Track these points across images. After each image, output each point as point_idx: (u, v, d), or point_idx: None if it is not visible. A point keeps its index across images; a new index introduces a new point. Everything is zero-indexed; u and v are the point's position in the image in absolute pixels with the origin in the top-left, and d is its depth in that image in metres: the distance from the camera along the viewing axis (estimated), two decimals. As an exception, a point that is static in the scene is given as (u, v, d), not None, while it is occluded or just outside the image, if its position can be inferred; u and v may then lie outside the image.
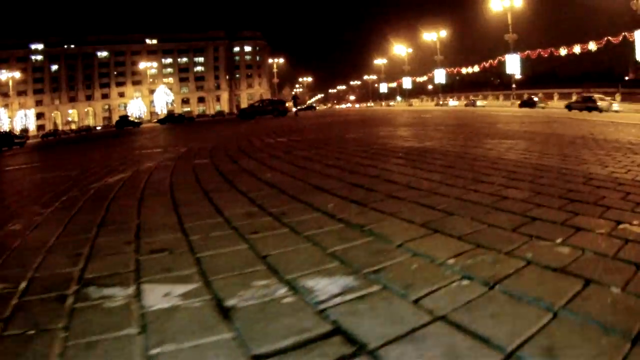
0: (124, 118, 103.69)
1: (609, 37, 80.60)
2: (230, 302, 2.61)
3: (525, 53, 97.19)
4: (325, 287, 2.75)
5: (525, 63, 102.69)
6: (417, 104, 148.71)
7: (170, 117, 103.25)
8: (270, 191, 5.83)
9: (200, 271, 3.14)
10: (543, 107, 70.05)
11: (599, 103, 54.61)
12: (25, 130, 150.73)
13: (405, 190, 5.39)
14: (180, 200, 5.67)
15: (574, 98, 61.97)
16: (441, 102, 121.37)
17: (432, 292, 2.62)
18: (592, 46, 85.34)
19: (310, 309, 2.48)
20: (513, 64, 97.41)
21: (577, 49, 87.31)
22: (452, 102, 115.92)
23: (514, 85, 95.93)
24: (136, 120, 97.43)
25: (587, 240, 3.46)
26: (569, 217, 4.09)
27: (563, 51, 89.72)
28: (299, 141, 13.16)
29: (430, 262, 3.11)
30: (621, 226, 3.80)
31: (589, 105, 54.46)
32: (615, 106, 55.49)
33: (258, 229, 4.09)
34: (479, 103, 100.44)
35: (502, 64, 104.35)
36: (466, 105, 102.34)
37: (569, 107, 58.04)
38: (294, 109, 55.99)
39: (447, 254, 3.21)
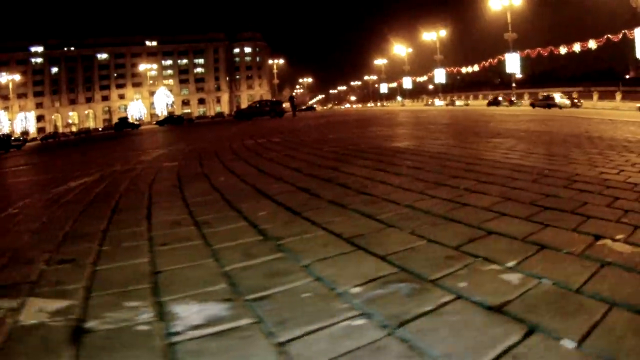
0: (123, 120, 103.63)
1: (609, 35, 79.98)
2: (90, 324, 2.35)
3: (525, 52, 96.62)
4: (190, 315, 2.37)
5: (526, 62, 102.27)
6: (408, 104, 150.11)
7: (169, 119, 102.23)
8: (212, 197, 5.43)
9: (87, 286, 2.89)
10: (507, 106, 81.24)
11: (557, 101, 63.80)
12: (25, 133, 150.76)
13: (353, 196, 4.72)
14: (122, 206, 5.45)
15: (540, 97, 70.51)
16: (429, 102, 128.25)
17: (308, 334, 2.03)
18: (592, 44, 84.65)
19: (159, 342, 2.12)
20: (513, 63, 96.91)
21: (577, 47, 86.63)
22: (438, 102, 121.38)
23: (514, 85, 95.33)
24: (135, 122, 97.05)
25: (549, 263, 2.68)
26: (535, 229, 3.32)
27: (563, 50, 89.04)
28: (277, 143, 12.51)
29: (330, 290, 2.46)
30: (600, 242, 3.04)
31: (549, 102, 63.63)
32: (567, 102, 65.41)
33: (170, 241, 3.75)
34: (457, 103, 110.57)
35: (502, 63, 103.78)
36: (447, 105, 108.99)
37: (532, 105, 67.70)
38: (291, 110, 55.22)
39: (356, 280, 2.55)
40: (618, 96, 66.25)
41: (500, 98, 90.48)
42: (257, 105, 62.19)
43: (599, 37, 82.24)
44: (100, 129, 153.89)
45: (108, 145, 26.34)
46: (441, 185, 5.07)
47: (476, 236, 3.26)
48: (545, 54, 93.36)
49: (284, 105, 56.62)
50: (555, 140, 9.46)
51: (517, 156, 7.08)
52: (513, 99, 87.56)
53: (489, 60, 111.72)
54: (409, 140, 11.07)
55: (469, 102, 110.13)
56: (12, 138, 64.66)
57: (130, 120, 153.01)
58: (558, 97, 66.32)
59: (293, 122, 31.57)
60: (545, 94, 71.27)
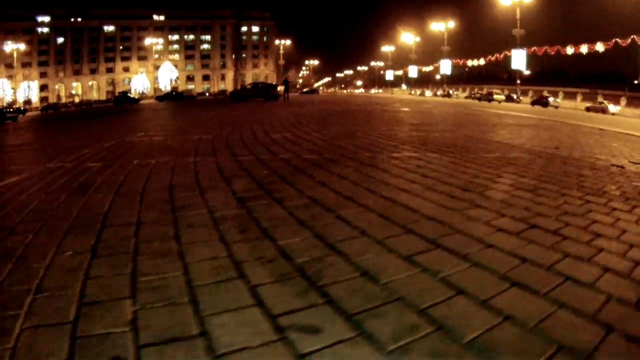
0: (123, 94, 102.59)
1: (617, 40, 79.46)
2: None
3: (532, 49, 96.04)
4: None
5: (534, 59, 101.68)
6: (398, 92, 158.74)
7: (169, 95, 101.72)
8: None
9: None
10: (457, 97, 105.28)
11: (495, 96, 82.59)
12: (28, 102, 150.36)
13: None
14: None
15: (485, 92, 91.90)
16: (412, 92, 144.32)
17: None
18: (600, 47, 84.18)
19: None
20: (519, 60, 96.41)
21: (584, 49, 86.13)
22: (427, 93, 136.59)
23: (518, 82, 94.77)
24: (135, 97, 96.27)
25: None
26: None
27: (570, 50, 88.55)
28: (216, 137, 12.15)
29: None
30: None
31: (489, 97, 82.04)
32: (502, 97, 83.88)
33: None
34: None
35: (508, 59, 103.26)
36: (442, 96, 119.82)
37: (479, 98, 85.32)
38: (285, 94, 54.49)
39: None
40: (622, 101, 65.92)
41: (451, 92, 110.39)
42: (253, 87, 62.11)
43: (608, 40, 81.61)
44: (102, 100, 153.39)
45: (105, 119, 27.30)
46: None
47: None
48: (552, 53, 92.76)
49: (278, 89, 55.83)
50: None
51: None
52: (514, 95, 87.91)
53: (495, 55, 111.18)
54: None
55: (457, 93, 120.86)
56: (8, 110, 62.47)
57: (133, 94, 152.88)
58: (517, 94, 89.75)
59: (278, 108, 31.58)
60: (489, 90, 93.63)
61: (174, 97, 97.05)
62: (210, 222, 4.43)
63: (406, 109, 26.98)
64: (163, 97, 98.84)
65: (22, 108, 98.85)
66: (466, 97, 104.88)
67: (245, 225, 4.31)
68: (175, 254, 3.62)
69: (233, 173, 6.76)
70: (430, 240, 3.84)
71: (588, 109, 60.65)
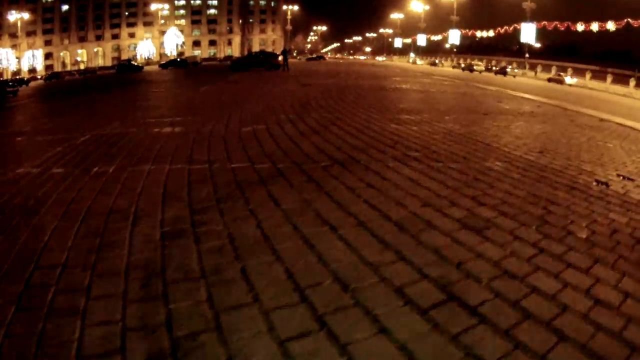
0: (127, 62, 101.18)
1: (629, 19, 78.09)
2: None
3: (542, 23, 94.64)
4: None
5: (545, 33, 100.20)
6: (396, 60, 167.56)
7: (173, 62, 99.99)
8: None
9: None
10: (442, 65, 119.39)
11: (475, 67, 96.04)
12: (33, 70, 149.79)
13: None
14: None
15: (468, 63, 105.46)
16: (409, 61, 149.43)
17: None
18: (611, 26, 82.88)
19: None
20: (528, 33, 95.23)
21: (594, 27, 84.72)
22: (419, 62, 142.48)
23: (527, 55, 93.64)
24: (138, 65, 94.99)
25: None
26: None
27: (580, 27, 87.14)
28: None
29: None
30: None
31: (470, 68, 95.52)
32: (482, 68, 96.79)
33: None
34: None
35: (518, 32, 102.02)
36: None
37: (463, 69, 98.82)
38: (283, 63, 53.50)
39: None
40: (632, 82, 65.54)
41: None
42: (253, 55, 63.23)
43: (620, 19, 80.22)
44: (107, 67, 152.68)
45: (101, 96, 27.31)
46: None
47: None
48: (562, 29, 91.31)
49: (279, 58, 54.77)
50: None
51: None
52: (508, 68, 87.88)
53: (504, 27, 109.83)
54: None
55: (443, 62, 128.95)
56: (8, 82, 59.75)
57: (139, 60, 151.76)
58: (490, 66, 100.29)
59: (274, 79, 31.35)
60: (469, 61, 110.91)
61: (177, 64, 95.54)
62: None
63: (395, 84, 26.67)
64: (167, 64, 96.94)
65: (25, 78, 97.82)
66: (454, 67, 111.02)
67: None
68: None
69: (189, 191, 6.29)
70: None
71: (549, 80, 65.54)
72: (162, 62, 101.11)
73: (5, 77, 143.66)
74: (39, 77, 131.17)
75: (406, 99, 19.35)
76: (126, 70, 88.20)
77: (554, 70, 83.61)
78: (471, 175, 7.16)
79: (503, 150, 9.23)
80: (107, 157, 8.82)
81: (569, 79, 70.94)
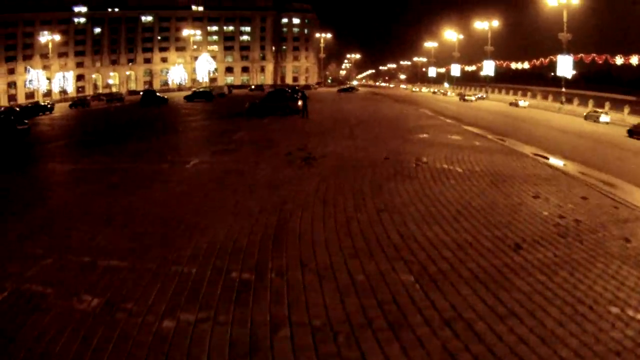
0: (149, 93, 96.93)
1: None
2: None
3: (579, 56, 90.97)
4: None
5: (580, 62, 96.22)
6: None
7: (198, 94, 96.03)
8: None
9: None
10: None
11: (466, 97, 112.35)
12: (64, 92, 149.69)
13: None
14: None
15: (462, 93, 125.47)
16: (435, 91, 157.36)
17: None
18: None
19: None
20: (565, 66, 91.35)
21: (634, 60, 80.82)
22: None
23: (563, 89, 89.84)
24: (163, 97, 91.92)
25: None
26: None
27: (619, 60, 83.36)
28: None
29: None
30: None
31: (464, 98, 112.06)
32: (473, 98, 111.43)
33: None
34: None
35: (553, 64, 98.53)
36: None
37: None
38: (302, 110, 46.75)
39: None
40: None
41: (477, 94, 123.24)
42: (271, 97, 54.93)
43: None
44: (139, 91, 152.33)
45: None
46: None
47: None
48: (600, 62, 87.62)
49: (299, 103, 49.01)
50: None
51: None
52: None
53: (540, 59, 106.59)
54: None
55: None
56: (20, 114, 54.38)
57: (171, 85, 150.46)
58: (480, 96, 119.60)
59: (291, 137, 28.07)
60: (461, 92, 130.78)
61: (202, 96, 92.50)
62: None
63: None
64: (192, 97, 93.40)
65: (48, 103, 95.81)
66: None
67: None
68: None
69: None
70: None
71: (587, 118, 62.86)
72: (187, 95, 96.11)
73: (36, 99, 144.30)
74: (69, 97, 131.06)
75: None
76: (150, 103, 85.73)
77: (590, 105, 79.97)
78: None
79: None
80: None
81: (605, 118, 65.75)
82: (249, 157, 23.22)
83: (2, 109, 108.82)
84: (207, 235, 11.63)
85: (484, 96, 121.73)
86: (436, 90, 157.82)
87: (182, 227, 12.35)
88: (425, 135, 32.20)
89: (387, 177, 18.17)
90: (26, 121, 49.08)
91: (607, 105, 73.10)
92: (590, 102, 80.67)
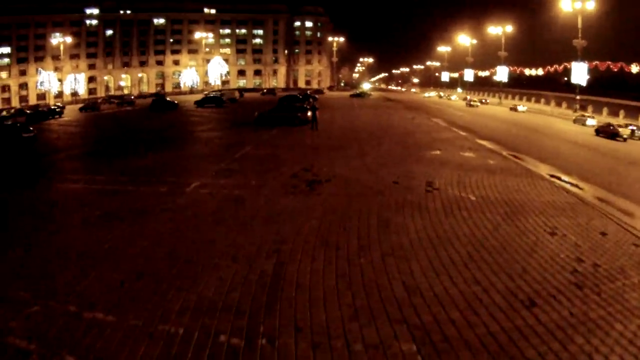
0: (160, 99, 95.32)
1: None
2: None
3: (594, 63, 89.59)
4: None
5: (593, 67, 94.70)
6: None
7: (208, 99, 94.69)
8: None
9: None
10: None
11: (472, 103, 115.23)
12: (75, 94, 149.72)
13: None
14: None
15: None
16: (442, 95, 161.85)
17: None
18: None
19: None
20: (579, 73, 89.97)
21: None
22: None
23: (578, 97, 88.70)
24: (173, 102, 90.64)
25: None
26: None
27: (635, 68, 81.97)
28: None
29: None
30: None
31: (471, 103, 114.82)
32: (478, 103, 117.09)
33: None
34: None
35: (567, 70, 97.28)
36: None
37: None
38: (311, 121, 45.33)
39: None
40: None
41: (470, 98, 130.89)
42: (282, 106, 54.73)
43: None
44: (151, 94, 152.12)
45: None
46: None
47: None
48: (615, 70, 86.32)
49: (308, 114, 47.38)
50: None
51: None
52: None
53: (554, 66, 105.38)
54: None
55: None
56: (24, 119, 53.70)
57: (183, 89, 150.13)
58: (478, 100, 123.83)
59: (298, 155, 27.31)
60: (469, 97, 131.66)
61: (212, 101, 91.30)
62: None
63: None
64: (202, 102, 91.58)
65: (56, 106, 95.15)
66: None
67: None
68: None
69: None
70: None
71: (597, 132, 60.43)
72: (198, 100, 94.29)
73: (47, 100, 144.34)
74: (81, 99, 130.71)
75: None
76: (160, 108, 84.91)
77: (605, 112, 79.31)
78: None
79: None
80: None
81: (592, 122, 69.71)
82: (251, 179, 22.36)
83: (13, 110, 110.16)
84: (198, 285, 10.94)
85: (486, 101, 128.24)
86: (442, 94, 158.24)
87: (172, 274, 11.64)
88: (437, 152, 31.21)
89: (396, 208, 17.35)
90: (32, 128, 48.94)
91: (622, 114, 73.14)
92: (605, 111, 80.00)
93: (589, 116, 74.43)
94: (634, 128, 58.36)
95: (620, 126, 59.44)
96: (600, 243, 14.41)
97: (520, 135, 50.69)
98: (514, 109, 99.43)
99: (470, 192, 20.21)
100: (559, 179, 25.90)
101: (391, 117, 60.93)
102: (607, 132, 56.48)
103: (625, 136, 54.65)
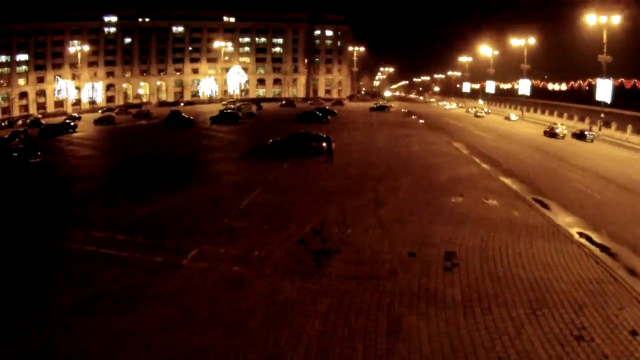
0: (176, 114, 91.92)
1: None
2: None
3: (619, 80, 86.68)
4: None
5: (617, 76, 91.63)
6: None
7: (223, 115, 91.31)
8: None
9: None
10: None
11: (478, 113, 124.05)
12: (93, 102, 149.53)
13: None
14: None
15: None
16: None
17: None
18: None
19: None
20: (604, 91, 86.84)
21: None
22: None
23: (602, 115, 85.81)
24: (189, 118, 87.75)
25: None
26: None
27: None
28: None
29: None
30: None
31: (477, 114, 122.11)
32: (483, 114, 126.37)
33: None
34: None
35: (592, 87, 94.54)
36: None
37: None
38: (327, 154, 43.75)
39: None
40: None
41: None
42: (297, 134, 50.61)
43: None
44: (169, 102, 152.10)
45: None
46: None
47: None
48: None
49: (324, 144, 45.41)
50: None
51: None
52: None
53: (578, 82, 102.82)
54: None
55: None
56: (34, 151, 51.67)
57: (201, 97, 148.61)
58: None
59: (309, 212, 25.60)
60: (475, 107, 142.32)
61: (228, 117, 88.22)
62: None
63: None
64: (218, 118, 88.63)
65: (71, 122, 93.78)
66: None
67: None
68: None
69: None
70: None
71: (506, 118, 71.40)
72: (213, 116, 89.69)
73: (65, 108, 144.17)
74: (98, 108, 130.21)
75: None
76: (175, 124, 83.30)
77: (629, 131, 76.58)
78: None
79: None
80: None
81: (512, 116, 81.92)
82: (254, 246, 20.56)
83: (29, 121, 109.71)
84: None
85: (489, 111, 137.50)
86: (470, 109, 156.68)
87: None
88: (459, 199, 29.50)
89: (410, 300, 15.48)
90: (39, 152, 48.03)
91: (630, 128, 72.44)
92: (629, 128, 77.15)
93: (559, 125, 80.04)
94: None
95: None
96: (629, 349, 12.64)
97: (547, 167, 47.18)
98: (507, 118, 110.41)
99: (493, 266, 18.45)
100: (588, 238, 23.99)
101: (411, 141, 58.69)
102: None
103: None
